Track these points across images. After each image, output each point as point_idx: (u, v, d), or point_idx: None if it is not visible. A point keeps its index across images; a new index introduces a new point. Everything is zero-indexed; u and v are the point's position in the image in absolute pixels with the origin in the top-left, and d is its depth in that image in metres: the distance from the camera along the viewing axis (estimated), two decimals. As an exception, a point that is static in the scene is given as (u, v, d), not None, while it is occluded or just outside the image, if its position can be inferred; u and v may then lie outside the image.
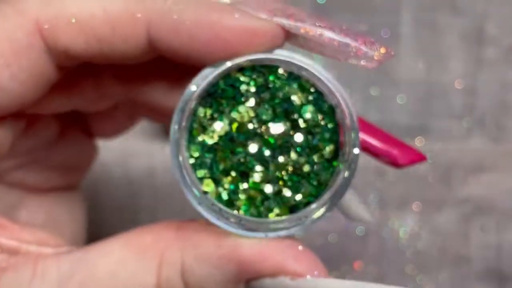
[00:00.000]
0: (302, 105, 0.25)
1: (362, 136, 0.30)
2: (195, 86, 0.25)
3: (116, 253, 0.26)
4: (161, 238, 0.26)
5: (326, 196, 0.25)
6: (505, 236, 0.47)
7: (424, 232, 0.47)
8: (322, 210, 0.25)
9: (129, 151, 0.47)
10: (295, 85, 0.25)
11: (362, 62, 0.25)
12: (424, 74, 0.47)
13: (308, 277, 0.25)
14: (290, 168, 0.25)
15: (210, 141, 0.25)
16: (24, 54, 0.26)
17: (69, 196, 0.36)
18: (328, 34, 0.25)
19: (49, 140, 0.33)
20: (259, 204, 0.25)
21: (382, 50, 0.25)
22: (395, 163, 0.31)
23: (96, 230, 0.46)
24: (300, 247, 0.25)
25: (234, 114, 0.25)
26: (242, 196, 0.25)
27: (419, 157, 0.31)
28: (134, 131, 0.47)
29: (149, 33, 0.25)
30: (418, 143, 0.47)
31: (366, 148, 0.30)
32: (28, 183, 0.33)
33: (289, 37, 0.26)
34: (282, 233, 0.25)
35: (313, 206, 0.25)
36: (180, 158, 0.25)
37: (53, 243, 0.29)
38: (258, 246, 0.25)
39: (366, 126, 0.31)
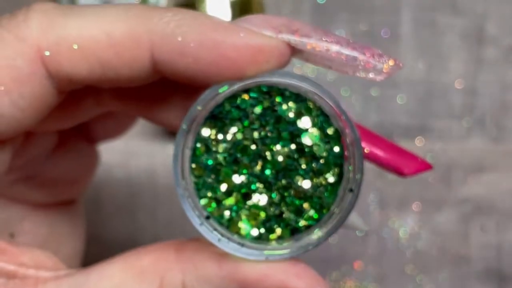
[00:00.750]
0: (307, 128, 0.25)
1: (367, 146, 0.30)
2: (200, 107, 0.25)
3: (116, 277, 0.26)
4: (160, 260, 0.26)
5: (329, 221, 0.25)
6: (505, 236, 0.47)
7: (424, 232, 0.47)
8: (323, 234, 0.25)
9: (130, 152, 0.48)
10: (301, 108, 0.25)
11: (371, 75, 0.25)
12: (424, 74, 0.47)
13: None
14: (293, 191, 0.25)
15: (213, 162, 0.25)
16: (25, 81, 0.25)
17: (71, 210, 0.35)
18: (335, 48, 0.25)
19: (48, 151, 0.33)
20: (260, 226, 0.25)
21: (391, 63, 0.25)
22: (400, 173, 0.31)
23: (96, 230, 0.46)
24: (301, 265, 0.25)
25: (238, 136, 0.25)
26: (244, 217, 0.25)
27: (425, 166, 0.31)
28: (135, 131, 0.47)
29: (153, 56, 0.25)
30: (418, 143, 0.47)
31: (371, 158, 0.30)
32: (30, 198, 0.33)
33: (294, 53, 0.25)
34: (283, 256, 0.25)
35: (315, 230, 0.25)
36: (184, 179, 0.25)
37: (52, 265, 0.28)
38: (260, 266, 0.25)
39: (371, 136, 0.31)
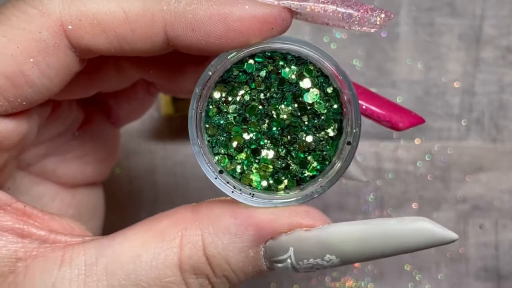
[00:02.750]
0: (309, 88, 0.28)
1: (365, 104, 0.32)
2: (210, 72, 0.27)
3: (139, 238, 0.28)
4: (178, 221, 0.28)
5: (331, 171, 0.28)
6: (503, 235, 0.47)
7: (423, 231, 0.47)
8: (326, 183, 0.27)
9: (131, 150, 0.48)
10: (302, 70, 0.28)
11: (365, 28, 0.28)
12: (422, 74, 0.48)
13: (320, 225, 0.27)
14: (297, 146, 0.28)
15: (224, 122, 0.28)
16: (51, 53, 0.27)
17: (95, 191, 0.38)
18: (332, 8, 0.27)
19: (74, 126, 0.35)
20: (269, 177, 0.28)
21: (382, 15, 0.28)
22: (396, 127, 0.33)
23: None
24: (308, 207, 0.28)
25: (246, 97, 0.28)
26: (254, 170, 0.28)
27: (418, 120, 0.34)
28: (135, 131, 0.47)
29: (166, 32, 0.27)
30: (417, 142, 0.48)
31: (368, 115, 0.32)
32: (60, 177, 0.36)
33: (294, 16, 0.28)
34: (290, 203, 0.27)
35: (319, 180, 0.28)
36: (198, 138, 0.27)
37: (80, 232, 0.31)
38: (271, 210, 0.27)
39: (368, 94, 0.33)
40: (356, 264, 0.48)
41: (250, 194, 0.27)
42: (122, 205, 0.42)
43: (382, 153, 0.48)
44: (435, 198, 0.47)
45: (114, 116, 0.38)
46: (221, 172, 0.27)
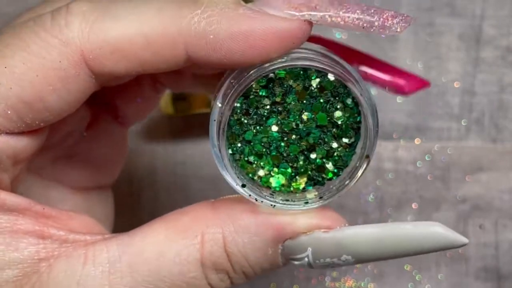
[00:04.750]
0: (328, 100, 0.29)
1: (368, 69, 0.32)
2: (231, 86, 0.28)
3: (159, 234, 0.28)
4: (199, 218, 0.29)
5: (346, 174, 0.29)
6: (503, 235, 0.47)
7: (423, 231, 0.47)
8: (342, 185, 0.29)
9: (131, 150, 0.48)
10: (322, 82, 0.28)
11: (383, 35, 0.28)
12: (422, 74, 0.47)
13: (338, 227, 0.28)
14: (316, 153, 0.29)
15: (246, 133, 0.29)
16: (72, 81, 0.27)
17: (105, 195, 0.38)
18: (353, 17, 0.27)
19: (81, 126, 0.36)
20: (287, 180, 0.29)
21: (402, 23, 0.27)
22: (402, 91, 0.34)
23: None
24: (326, 209, 0.29)
25: (267, 110, 0.29)
26: (274, 174, 0.29)
27: (423, 83, 0.34)
28: (135, 131, 0.47)
29: (188, 53, 0.27)
30: (417, 142, 0.48)
31: (374, 81, 0.32)
32: (70, 180, 0.36)
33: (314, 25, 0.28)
34: (308, 207, 0.29)
35: (336, 182, 0.29)
36: (221, 152, 0.28)
37: (98, 230, 0.31)
38: (290, 212, 0.29)
39: (370, 60, 0.33)
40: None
41: (271, 205, 0.28)
42: (122, 205, 0.42)
43: (382, 153, 0.48)
44: (435, 198, 0.48)
45: (121, 115, 0.38)
46: (243, 186, 0.28)
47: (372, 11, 0.27)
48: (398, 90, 0.33)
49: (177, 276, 0.28)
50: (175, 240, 0.28)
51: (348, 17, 0.27)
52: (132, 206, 0.48)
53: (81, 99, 0.29)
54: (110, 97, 0.37)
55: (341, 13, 0.27)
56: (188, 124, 0.48)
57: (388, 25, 0.27)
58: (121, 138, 0.39)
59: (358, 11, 0.27)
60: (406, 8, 0.47)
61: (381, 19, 0.27)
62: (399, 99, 0.48)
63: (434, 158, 0.48)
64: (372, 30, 0.27)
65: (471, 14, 0.47)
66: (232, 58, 0.27)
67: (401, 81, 0.33)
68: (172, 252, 0.28)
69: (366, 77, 0.31)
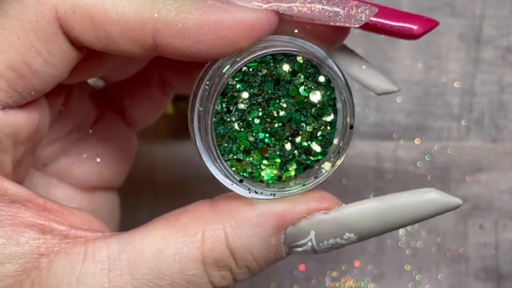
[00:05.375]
0: (302, 82, 0.29)
1: (376, 19, 0.31)
2: (208, 87, 0.29)
3: (159, 233, 0.29)
4: (198, 216, 0.29)
5: (334, 153, 0.30)
6: (503, 235, 0.47)
7: (423, 231, 0.48)
8: (330, 164, 0.30)
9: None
10: (294, 67, 0.29)
11: (349, 24, 0.28)
12: (422, 74, 0.48)
13: (336, 207, 0.29)
14: (300, 136, 0.30)
15: (230, 130, 0.29)
16: (51, 41, 0.28)
17: (111, 197, 0.39)
18: (319, 7, 0.28)
19: (87, 122, 0.36)
20: (278, 170, 0.30)
21: (367, 11, 0.28)
22: (412, 35, 0.32)
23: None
24: (322, 192, 0.30)
25: (246, 104, 0.29)
26: (264, 167, 0.30)
27: (432, 23, 0.33)
28: (136, 131, 0.47)
29: (154, 39, 0.27)
30: (417, 142, 0.48)
31: (380, 27, 0.31)
32: (77, 179, 0.36)
33: (281, 16, 0.28)
34: (302, 190, 0.29)
35: (325, 162, 0.30)
36: (208, 150, 0.29)
37: (99, 227, 0.31)
38: (288, 198, 0.29)
39: (377, 7, 0.32)
40: (356, 264, 0.48)
41: (272, 194, 0.29)
42: (122, 205, 0.42)
43: (382, 153, 0.48)
44: (435, 198, 0.47)
45: (128, 116, 0.38)
46: (241, 181, 0.29)
47: (337, 0, 0.28)
48: (406, 33, 0.32)
49: (177, 274, 0.28)
50: (175, 238, 0.28)
51: (314, 7, 0.28)
52: (132, 206, 0.48)
53: (67, 63, 0.29)
54: (118, 96, 0.37)
55: (307, 3, 0.28)
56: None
57: (353, 13, 0.28)
58: (128, 140, 0.39)
59: (323, 1, 0.28)
60: (406, 9, 0.47)
61: (346, 8, 0.28)
62: (399, 99, 0.48)
63: (434, 158, 0.48)
64: (337, 19, 0.28)
65: (471, 14, 0.47)
66: (200, 48, 0.27)
67: (409, 24, 0.32)
68: (171, 250, 0.28)
69: (370, 25, 0.30)
